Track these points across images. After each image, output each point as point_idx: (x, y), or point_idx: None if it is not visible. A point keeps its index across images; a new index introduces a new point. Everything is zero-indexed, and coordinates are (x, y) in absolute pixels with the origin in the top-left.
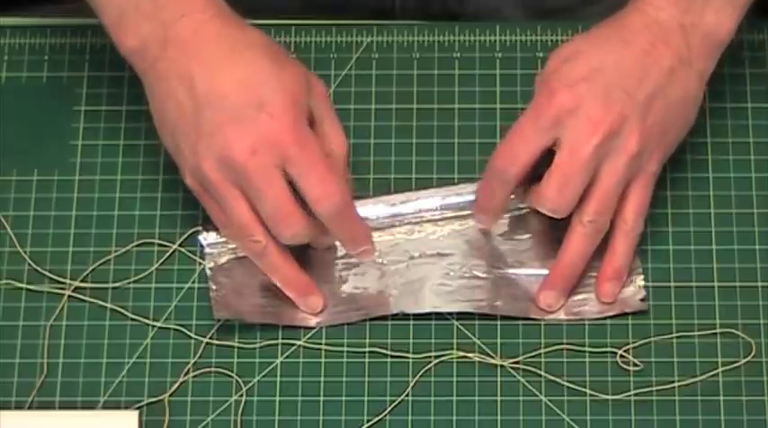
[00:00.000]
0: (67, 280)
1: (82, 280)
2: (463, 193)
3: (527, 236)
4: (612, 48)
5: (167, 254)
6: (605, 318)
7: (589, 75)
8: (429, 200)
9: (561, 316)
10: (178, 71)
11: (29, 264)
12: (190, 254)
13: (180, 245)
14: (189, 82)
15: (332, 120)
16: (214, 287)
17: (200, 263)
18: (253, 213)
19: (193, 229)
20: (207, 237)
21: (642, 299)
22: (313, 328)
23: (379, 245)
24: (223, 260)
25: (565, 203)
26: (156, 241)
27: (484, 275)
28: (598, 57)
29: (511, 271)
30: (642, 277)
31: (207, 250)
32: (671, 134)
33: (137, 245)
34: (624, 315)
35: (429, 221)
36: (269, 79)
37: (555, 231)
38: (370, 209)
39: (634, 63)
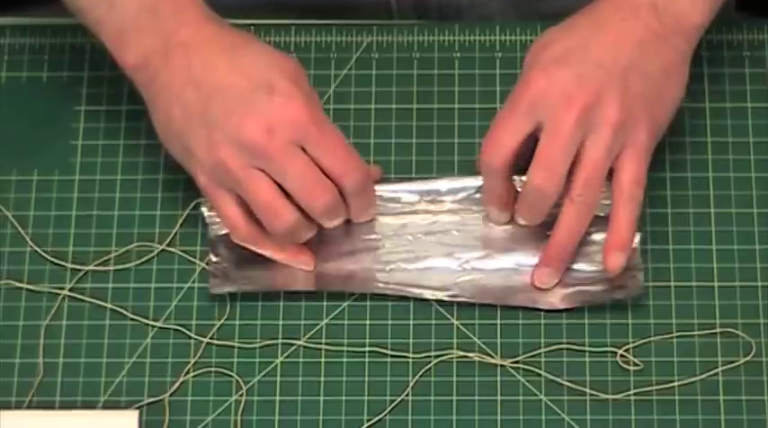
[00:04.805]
0: (69, 266)
1: (81, 280)
2: (465, 185)
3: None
4: (584, 31)
5: (157, 251)
6: (605, 318)
7: (561, 57)
8: (434, 184)
9: (560, 305)
10: (182, 75)
11: (31, 247)
12: (189, 257)
13: (179, 246)
14: (194, 82)
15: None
16: (215, 259)
17: (199, 263)
18: (278, 190)
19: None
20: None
21: (642, 294)
22: (314, 326)
23: (381, 228)
24: (225, 230)
25: (552, 183)
26: (156, 243)
27: (483, 267)
28: (570, 40)
29: (510, 261)
30: (643, 273)
31: (208, 220)
32: (656, 106)
33: (137, 246)
34: (624, 312)
35: (430, 212)
36: (272, 65)
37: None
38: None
39: (606, 40)
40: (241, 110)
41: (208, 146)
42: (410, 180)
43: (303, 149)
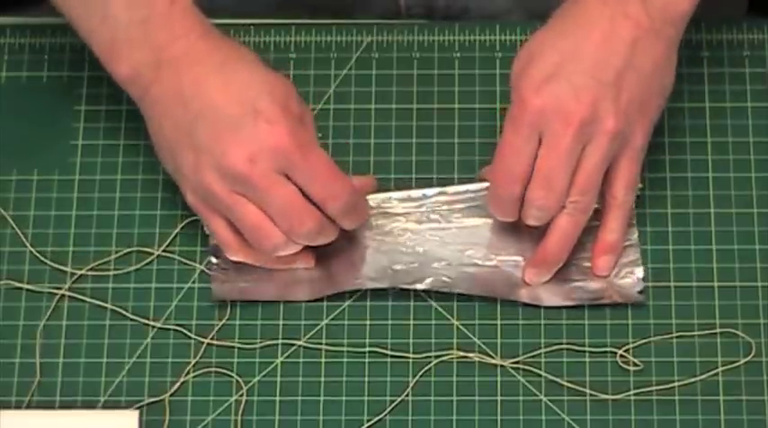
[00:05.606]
0: (69, 270)
1: (81, 280)
2: (467, 189)
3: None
4: (571, 36)
5: (154, 256)
6: (605, 318)
7: (553, 72)
8: (434, 190)
9: (558, 303)
10: (172, 91)
11: (31, 252)
12: (187, 260)
13: (179, 246)
14: (182, 99)
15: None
16: (215, 260)
17: (197, 266)
18: (263, 213)
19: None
20: None
21: (640, 292)
22: (314, 326)
23: (381, 229)
24: None
25: (553, 200)
26: (156, 243)
27: (484, 263)
28: (558, 50)
29: (511, 259)
30: (642, 270)
31: (207, 231)
32: (649, 104)
33: (135, 250)
34: (624, 312)
35: (431, 212)
36: (261, 88)
37: None
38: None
39: (595, 45)
40: (226, 135)
41: (194, 167)
42: (409, 188)
43: (288, 176)
